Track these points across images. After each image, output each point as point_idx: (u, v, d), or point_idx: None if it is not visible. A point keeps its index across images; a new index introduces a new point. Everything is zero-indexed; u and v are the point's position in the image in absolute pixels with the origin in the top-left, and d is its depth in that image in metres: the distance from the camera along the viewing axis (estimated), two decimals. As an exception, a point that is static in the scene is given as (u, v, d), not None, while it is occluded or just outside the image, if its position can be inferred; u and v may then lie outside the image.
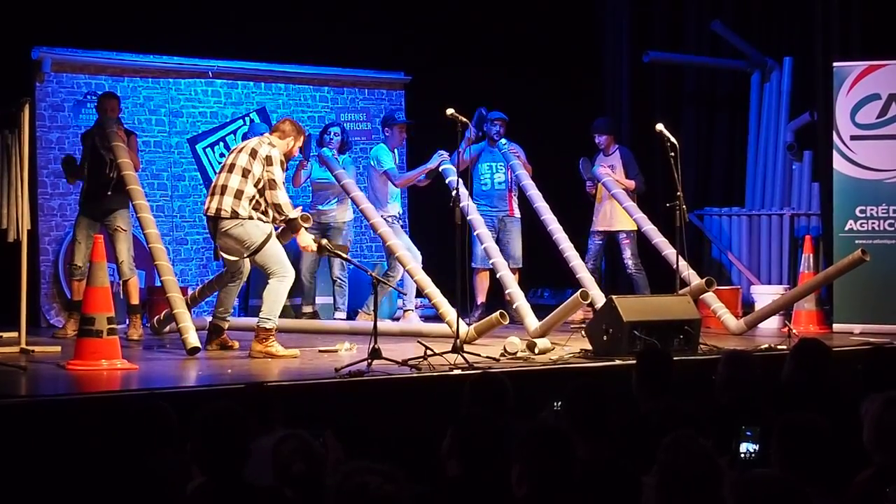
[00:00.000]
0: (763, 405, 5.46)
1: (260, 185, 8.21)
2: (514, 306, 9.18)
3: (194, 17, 11.07)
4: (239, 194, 8.20)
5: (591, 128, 11.19)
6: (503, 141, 10.71)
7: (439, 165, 10.31)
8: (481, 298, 10.64)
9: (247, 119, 11.63)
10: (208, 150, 11.43)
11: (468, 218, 9.74)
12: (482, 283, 10.63)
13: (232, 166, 8.27)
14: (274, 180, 8.20)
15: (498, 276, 9.66)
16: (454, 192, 8.47)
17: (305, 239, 8.47)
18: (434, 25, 12.57)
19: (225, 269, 8.65)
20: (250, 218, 8.20)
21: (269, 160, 8.22)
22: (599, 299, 9.26)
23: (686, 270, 9.71)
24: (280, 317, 8.43)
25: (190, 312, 8.60)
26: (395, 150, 10.73)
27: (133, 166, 9.22)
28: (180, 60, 11.36)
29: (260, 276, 8.85)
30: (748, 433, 4.42)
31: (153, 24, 10.96)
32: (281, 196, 8.22)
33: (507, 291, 9.45)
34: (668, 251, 9.83)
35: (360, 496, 3.15)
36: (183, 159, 11.40)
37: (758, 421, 4.68)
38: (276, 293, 8.26)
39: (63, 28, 10.62)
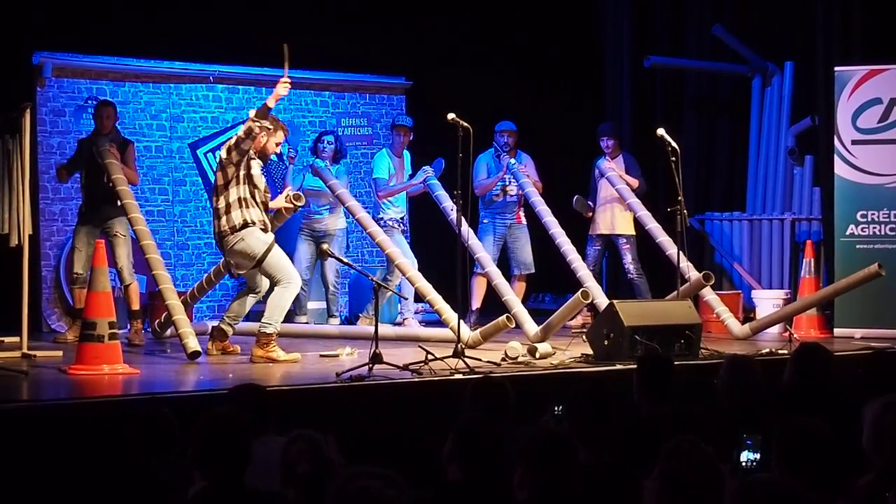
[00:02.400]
0: (764, 410, 5.46)
1: (236, 178, 8.19)
2: (511, 312, 9.18)
3: (195, 22, 11.08)
4: (228, 209, 8.21)
5: (598, 131, 11.20)
6: (513, 161, 10.71)
7: (424, 181, 10.34)
8: (476, 304, 10.64)
9: (248, 124, 11.63)
10: (209, 154, 11.43)
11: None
12: (479, 288, 10.63)
13: (215, 188, 8.34)
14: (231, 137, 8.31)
15: (493, 284, 9.68)
16: (457, 192, 8.48)
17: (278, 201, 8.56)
18: (435, 31, 12.58)
19: (245, 284, 8.69)
20: (245, 225, 8.20)
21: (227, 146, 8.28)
22: (603, 306, 9.26)
23: (689, 272, 9.71)
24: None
25: (190, 312, 8.61)
26: (405, 154, 10.73)
27: (126, 181, 9.22)
28: (181, 65, 11.38)
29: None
30: (749, 442, 4.40)
31: (154, 29, 10.97)
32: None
33: (503, 298, 9.45)
34: (672, 251, 9.84)
35: (362, 500, 3.15)
36: (184, 164, 11.41)
37: (759, 426, 4.68)
38: (280, 299, 8.27)
39: (64, 33, 10.63)
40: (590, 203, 11.07)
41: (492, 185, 10.66)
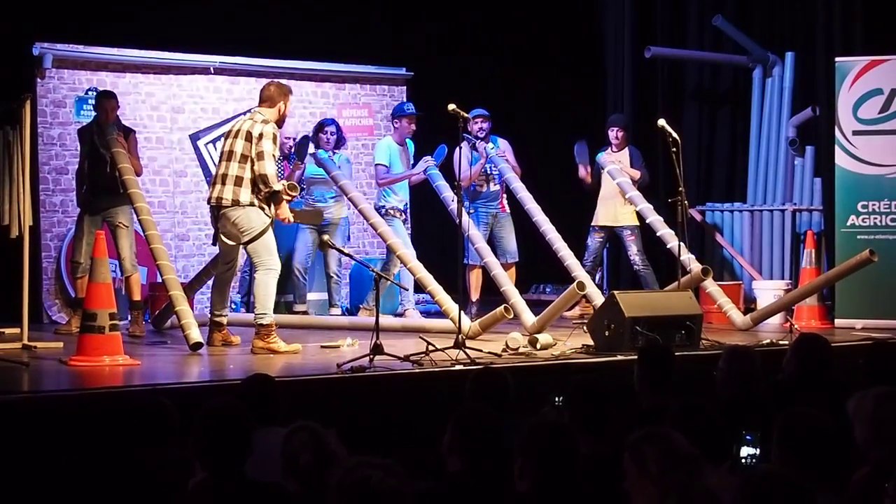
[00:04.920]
0: (764, 400, 5.46)
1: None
2: (509, 303, 9.18)
3: (196, 13, 11.07)
4: (239, 181, 8.21)
5: (608, 122, 11.19)
6: (490, 145, 10.69)
7: (425, 171, 10.34)
8: (475, 296, 10.65)
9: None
10: (210, 146, 11.43)
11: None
12: (475, 281, 10.64)
13: (231, 154, 8.29)
14: (262, 152, 8.20)
15: (492, 274, 9.69)
16: (456, 183, 8.48)
17: (284, 211, 8.34)
18: (436, 21, 12.58)
19: (219, 256, 8.68)
20: (251, 204, 8.21)
21: (260, 136, 8.23)
22: (596, 296, 9.28)
23: (691, 263, 9.72)
24: (277, 314, 8.42)
25: (191, 303, 8.60)
26: (407, 142, 10.71)
27: (133, 170, 9.23)
28: (182, 56, 11.37)
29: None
30: (748, 438, 4.39)
31: (155, 20, 10.96)
32: (268, 167, 8.19)
33: (501, 289, 9.45)
34: (673, 243, 9.85)
35: (362, 491, 3.15)
36: (185, 155, 11.40)
37: (758, 416, 4.67)
38: (266, 286, 8.28)
39: (64, 24, 10.62)
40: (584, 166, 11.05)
41: (477, 172, 10.59)
